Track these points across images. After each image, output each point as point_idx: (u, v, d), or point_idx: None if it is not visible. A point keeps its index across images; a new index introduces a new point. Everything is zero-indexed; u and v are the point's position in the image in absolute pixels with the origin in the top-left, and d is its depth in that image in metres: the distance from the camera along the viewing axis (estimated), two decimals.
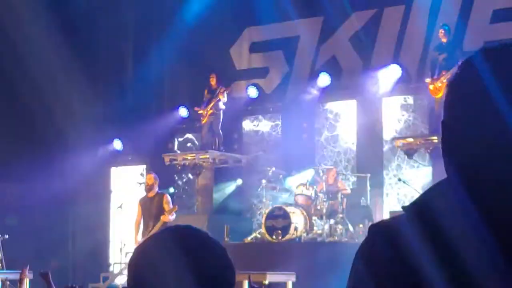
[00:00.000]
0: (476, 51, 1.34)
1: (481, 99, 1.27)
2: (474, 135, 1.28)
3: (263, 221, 13.55)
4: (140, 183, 13.21)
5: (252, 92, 16.25)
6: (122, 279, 14.26)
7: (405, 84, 14.86)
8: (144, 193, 12.51)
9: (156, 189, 12.18)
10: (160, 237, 1.73)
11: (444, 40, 13.28)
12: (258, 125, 16.88)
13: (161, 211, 11.88)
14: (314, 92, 15.85)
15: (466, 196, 1.28)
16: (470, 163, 1.29)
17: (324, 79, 15.50)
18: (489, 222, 1.25)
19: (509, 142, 1.25)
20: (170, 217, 11.87)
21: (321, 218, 13.51)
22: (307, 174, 14.51)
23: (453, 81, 1.35)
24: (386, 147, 15.00)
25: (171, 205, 12.02)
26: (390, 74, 14.80)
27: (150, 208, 11.95)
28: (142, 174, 14.31)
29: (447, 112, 1.35)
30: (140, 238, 11.94)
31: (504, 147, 1.26)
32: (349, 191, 13.75)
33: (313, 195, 13.50)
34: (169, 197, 12.22)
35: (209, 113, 15.42)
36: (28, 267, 10.01)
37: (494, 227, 1.25)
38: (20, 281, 9.94)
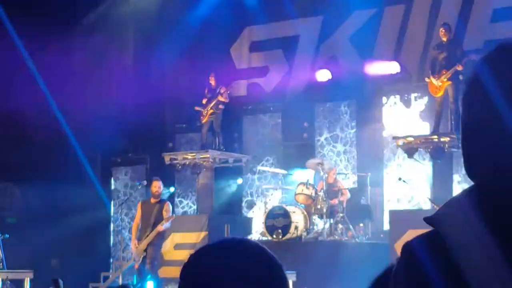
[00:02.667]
0: (494, 47, 1.28)
1: (505, 97, 1.21)
2: (500, 136, 1.21)
3: (263, 220, 13.55)
4: (140, 183, 13.20)
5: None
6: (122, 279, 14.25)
7: (405, 83, 14.86)
8: (145, 195, 12.54)
9: (160, 196, 12.24)
10: (217, 249, 1.67)
11: (444, 39, 13.28)
12: (258, 124, 16.87)
13: (160, 218, 11.89)
14: (314, 91, 15.85)
15: (491, 211, 1.22)
16: (498, 168, 1.22)
17: (323, 75, 15.47)
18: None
19: None
20: (165, 224, 11.84)
21: (321, 217, 13.50)
22: (307, 173, 14.51)
23: (474, 79, 1.29)
24: (386, 146, 15.00)
25: (170, 214, 12.01)
26: (390, 73, 14.81)
27: (151, 214, 11.96)
28: (143, 182, 14.29)
29: (469, 112, 1.28)
30: (137, 241, 11.94)
31: None
32: (348, 196, 13.72)
33: (313, 194, 13.50)
34: (170, 206, 12.20)
35: (209, 112, 15.42)
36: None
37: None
38: None
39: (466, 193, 1.29)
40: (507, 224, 1.21)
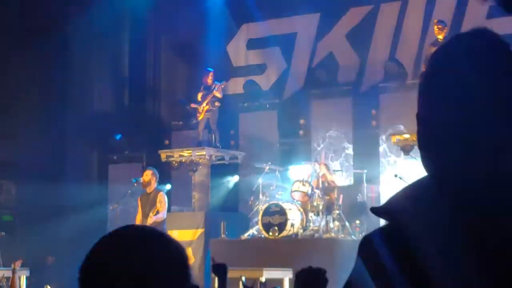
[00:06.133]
0: (448, 41, 1.31)
1: (456, 89, 1.24)
2: (452, 128, 1.25)
3: (259, 217, 13.54)
4: (136, 181, 13.13)
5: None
6: None
7: (401, 80, 14.86)
8: (141, 192, 12.48)
9: (154, 185, 12.09)
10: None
11: (440, 36, 13.28)
12: (255, 121, 16.85)
13: (154, 208, 11.83)
14: (311, 88, 15.86)
15: (447, 198, 1.24)
16: (449, 160, 1.25)
17: (320, 75, 15.49)
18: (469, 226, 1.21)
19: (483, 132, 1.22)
20: (153, 218, 11.70)
21: (317, 214, 13.50)
22: (303, 171, 14.50)
23: (427, 71, 1.32)
24: (382, 143, 15.00)
25: (163, 204, 11.90)
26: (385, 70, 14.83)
27: (146, 205, 11.92)
28: (138, 179, 14.20)
29: (422, 104, 1.32)
30: None
31: (480, 142, 1.22)
32: (337, 183, 13.70)
33: (309, 191, 13.49)
34: (164, 196, 12.09)
35: (205, 109, 15.41)
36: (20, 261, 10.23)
37: (476, 233, 1.21)
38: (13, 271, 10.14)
39: (418, 184, 1.32)
40: (458, 212, 1.23)
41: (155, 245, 1.60)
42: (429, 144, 1.31)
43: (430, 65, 1.33)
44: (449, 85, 1.27)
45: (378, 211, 1.34)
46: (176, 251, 1.61)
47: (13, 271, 10.17)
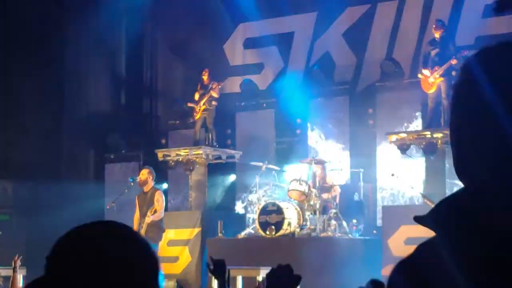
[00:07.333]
0: (475, 53, 1.30)
1: (480, 104, 1.24)
2: (475, 141, 1.24)
3: (256, 216, 13.56)
4: (133, 180, 13.13)
5: None
6: None
7: (398, 79, 14.88)
8: (138, 191, 12.47)
9: (151, 183, 12.08)
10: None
11: (437, 35, 13.30)
12: (251, 120, 16.86)
13: (151, 207, 11.83)
14: (308, 87, 15.87)
15: (479, 212, 1.24)
16: (483, 173, 1.24)
17: (317, 74, 15.53)
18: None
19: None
20: (151, 217, 11.71)
21: (314, 213, 13.51)
22: (300, 170, 14.52)
23: (455, 84, 1.32)
24: (379, 142, 15.01)
25: (161, 203, 11.90)
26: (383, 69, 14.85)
27: (143, 204, 11.92)
28: (135, 178, 14.15)
29: (455, 114, 1.31)
30: None
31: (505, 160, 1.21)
32: (339, 190, 13.72)
33: (306, 190, 13.50)
34: (161, 194, 12.07)
35: (202, 108, 15.41)
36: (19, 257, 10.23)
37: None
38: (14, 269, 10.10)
39: (458, 195, 1.31)
40: (496, 226, 1.22)
41: (125, 246, 1.60)
42: (462, 157, 1.31)
43: (462, 75, 1.33)
44: (483, 95, 1.26)
45: (420, 220, 1.35)
46: (146, 253, 1.60)
47: (14, 269, 10.11)
